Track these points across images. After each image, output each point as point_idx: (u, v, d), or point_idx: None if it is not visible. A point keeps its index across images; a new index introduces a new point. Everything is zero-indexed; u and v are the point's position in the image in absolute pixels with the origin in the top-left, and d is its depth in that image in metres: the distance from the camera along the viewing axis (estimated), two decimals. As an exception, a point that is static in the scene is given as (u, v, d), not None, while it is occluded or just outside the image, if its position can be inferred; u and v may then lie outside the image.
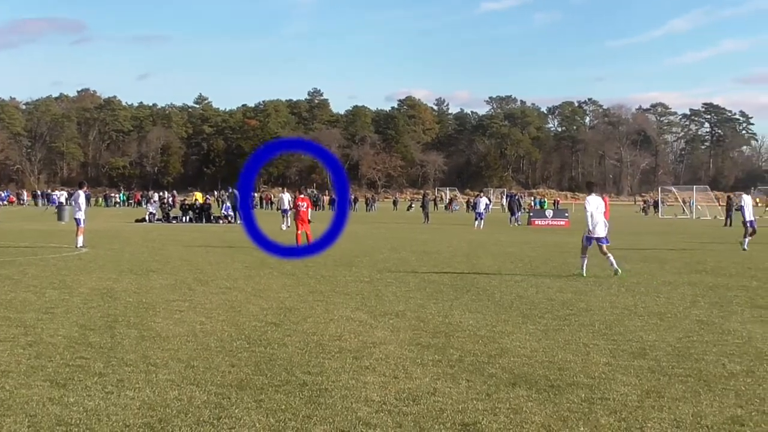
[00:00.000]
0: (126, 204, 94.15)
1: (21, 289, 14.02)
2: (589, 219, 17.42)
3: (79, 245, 24.12)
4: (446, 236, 34.45)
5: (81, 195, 25.65)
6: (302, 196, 27.11)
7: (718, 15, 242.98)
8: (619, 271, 17.03)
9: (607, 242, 17.56)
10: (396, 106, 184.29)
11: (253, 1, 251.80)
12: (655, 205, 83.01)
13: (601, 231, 17.39)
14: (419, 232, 38.74)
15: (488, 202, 60.51)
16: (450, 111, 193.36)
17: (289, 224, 37.16)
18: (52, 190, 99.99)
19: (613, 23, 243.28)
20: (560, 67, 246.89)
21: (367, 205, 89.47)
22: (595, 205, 17.64)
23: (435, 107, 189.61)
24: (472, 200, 73.77)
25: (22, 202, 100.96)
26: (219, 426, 6.10)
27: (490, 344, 9.33)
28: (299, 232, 25.14)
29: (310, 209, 26.17)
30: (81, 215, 25.02)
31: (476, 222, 44.61)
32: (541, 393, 7.10)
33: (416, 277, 16.86)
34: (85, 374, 7.66)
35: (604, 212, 17.84)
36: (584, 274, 16.94)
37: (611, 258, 17.21)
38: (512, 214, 51.78)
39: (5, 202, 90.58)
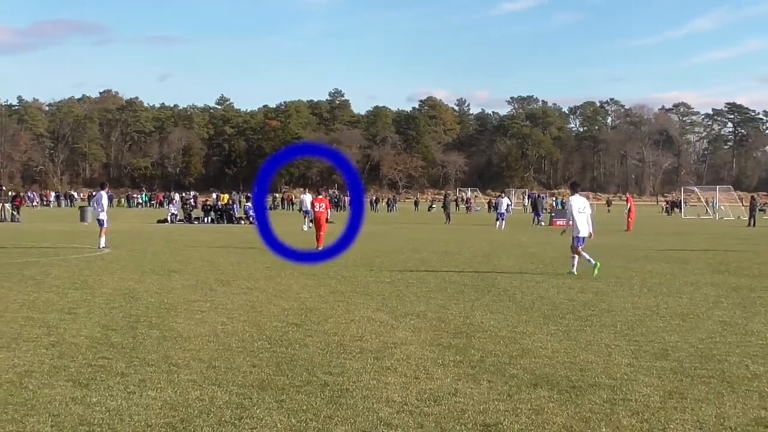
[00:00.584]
0: (148, 205, 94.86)
1: (44, 290, 14.13)
2: (576, 220, 17.51)
3: (101, 246, 24.31)
4: (467, 237, 34.38)
5: (103, 196, 25.90)
6: (320, 197, 27.12)
7: (740, 14, 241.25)
8: (575, 273, 17.23)
9: (582, 243, 17.69)
10: (417, 106, 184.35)
11: (267, 2, 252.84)
12: (675, 205, 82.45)
13: (583, 232, 17.43)
14: (440, 232, 38.70)
15: (509, 203, 60.30)
16: (471, 111, 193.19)
17: (310, 225, 37.19)
18: (86, 194, 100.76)
19: (632, 23, 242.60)
20: (579, 67, 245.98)
21: (388, 205, 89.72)
22: (578, 206, 17.70)
23: (456, 108, 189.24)
24: (493, 201, 73.63)
25: (46, 203, 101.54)
26: (240, 426, 6.11)
27: (512, 345, 9.30)
28: (319, 233, 25.17)
29: (329, 210, 26.16)
30: (103, 216, 25.25)
31: (498, 222, 44.55)
32: (563, 394, 7.07)
33: (437, 277, 16.83)
34: (108, 374, 7.70)
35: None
36: (596, 273, 16.87)
37: (576, 260, 17.48)
38: (537, 215, 51.55)
39: (33, 204, 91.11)
